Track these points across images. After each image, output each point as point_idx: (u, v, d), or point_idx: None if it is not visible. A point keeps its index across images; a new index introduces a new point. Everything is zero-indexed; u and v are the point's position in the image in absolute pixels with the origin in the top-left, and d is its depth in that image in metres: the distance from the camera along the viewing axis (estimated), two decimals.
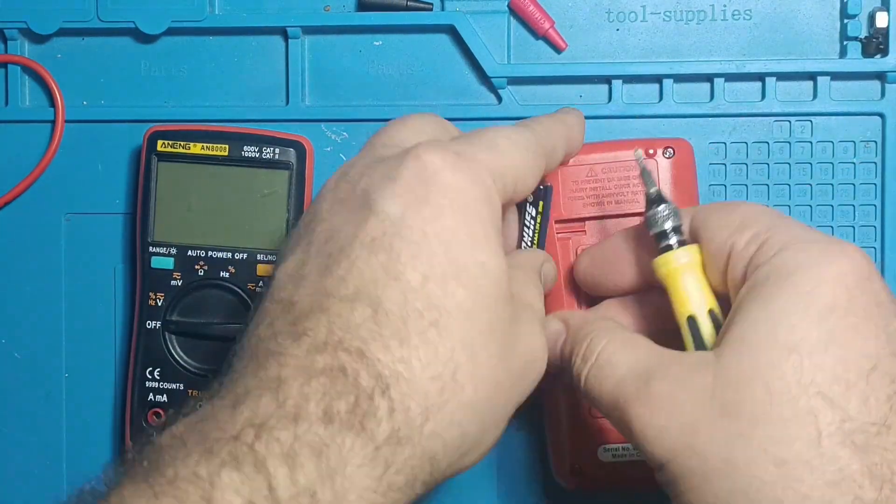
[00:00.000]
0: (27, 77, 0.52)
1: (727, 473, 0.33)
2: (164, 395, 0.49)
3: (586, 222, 0.46)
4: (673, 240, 0.39)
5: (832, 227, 0.50)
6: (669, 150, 0.46)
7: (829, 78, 0.50)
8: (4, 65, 0.52)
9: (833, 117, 0.50)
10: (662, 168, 0.46)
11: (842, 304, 0.34)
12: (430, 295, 0.32)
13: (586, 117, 0.44)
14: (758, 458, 0.33)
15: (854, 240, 0.50)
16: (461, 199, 0.34)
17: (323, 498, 0.29)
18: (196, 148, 0.49)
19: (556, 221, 0.46)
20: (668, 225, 0.39)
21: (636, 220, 0.45)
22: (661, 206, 0.39)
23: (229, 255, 0.49)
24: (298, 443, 0.30)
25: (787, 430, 0.33)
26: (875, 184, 0.50)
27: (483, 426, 0.34)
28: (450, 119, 0.50)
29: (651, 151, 0.46)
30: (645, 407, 0.35)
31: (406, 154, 0.34)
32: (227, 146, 0.49)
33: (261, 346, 0.32)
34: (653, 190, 0.40)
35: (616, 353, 0.37)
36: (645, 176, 0.40)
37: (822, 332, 0.33)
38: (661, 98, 0.50)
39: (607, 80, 0.50)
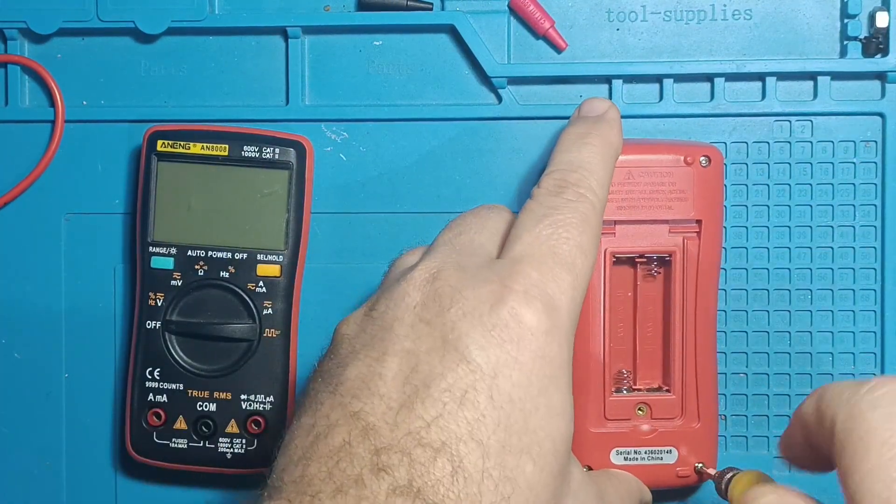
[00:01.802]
0: (27, 77, 0.52)
1: None
2: (164, 395, 0.49)
3: (616, 225, 0.46)
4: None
5: (832, 226, 0.50)
6: (706, 157, 0.46)
7: (829, 78, 0.50)
8: (4, 65, 0.52)
9: (833, 117, 0.50)
10: (698, 175, 0.46)
11: None
12: (504, 465, 0.33)
13: None
14: None
15: (854, 240, 0.50)
16: (548, 366, 0.35)
17: None
18: (196, 148, 0.49)
19: None
20: None
21: (665, 228, 0.46)
22: None
23: (229, 255, 0.49)
24: None
25: None
26: (875, 184, 0.50)
27: None
28: (450, 119, 0.51)
29: (689, 160, 0.46)
30: None
31: (502, 299, 0.35)
32: (227, 146, 0.49)
33: (337, 465, 0.33)
34: None
35: None
36: None
37: None
38: (661, 98, 0.50)
39: (607, 79, 0.50)
